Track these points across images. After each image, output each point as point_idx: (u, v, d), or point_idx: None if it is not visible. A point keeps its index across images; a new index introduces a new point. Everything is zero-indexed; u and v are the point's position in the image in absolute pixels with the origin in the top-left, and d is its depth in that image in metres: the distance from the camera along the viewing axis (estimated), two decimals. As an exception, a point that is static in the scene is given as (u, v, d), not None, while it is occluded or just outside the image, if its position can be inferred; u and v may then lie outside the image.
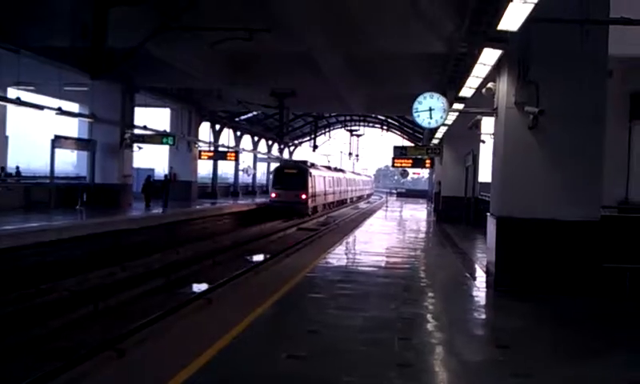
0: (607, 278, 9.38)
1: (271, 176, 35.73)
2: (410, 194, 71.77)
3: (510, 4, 6.70)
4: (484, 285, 10.60)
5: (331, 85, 22.83)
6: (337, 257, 13.83)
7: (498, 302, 9.42)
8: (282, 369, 5.68)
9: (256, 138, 44.58)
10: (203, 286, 13.33)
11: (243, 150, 41.40)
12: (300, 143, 55.97)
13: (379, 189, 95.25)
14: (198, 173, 32.78)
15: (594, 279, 9.35)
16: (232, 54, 19.70)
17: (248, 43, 15.80)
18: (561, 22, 8.89)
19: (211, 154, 34.13)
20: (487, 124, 15.01)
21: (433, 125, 10.90)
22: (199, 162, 32.75)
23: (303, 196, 32.86)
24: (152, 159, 35.29)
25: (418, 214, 35.43)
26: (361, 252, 15.51)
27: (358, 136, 59.62)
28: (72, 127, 32.49)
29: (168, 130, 29.02)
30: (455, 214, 25.00)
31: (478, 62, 9.47)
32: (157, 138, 25.92)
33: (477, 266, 13.01)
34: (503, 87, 9.99)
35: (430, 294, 10.00)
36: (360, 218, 30.25)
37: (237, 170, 41.18)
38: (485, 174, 22.05)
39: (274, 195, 33.06)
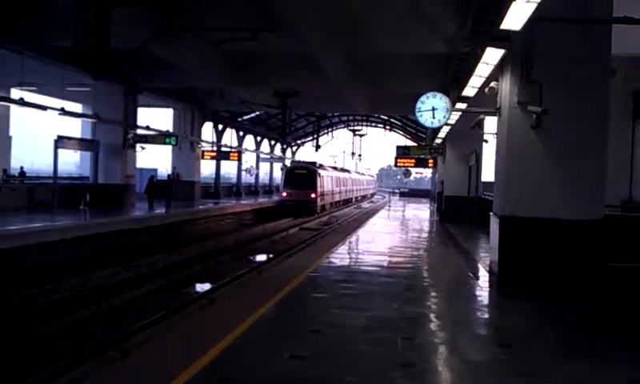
0: (610, 278, 9.36)
1: (282, 176, 37.48)
2: (412, 194, 71.89)
3: (513, 3, 6.70)
4: (487, 284, 10.59)
5: (334, 85, 22.83)
6: (340, 256, 13.83)
7: (501, 302, 9.41)
8: (284, 368, 5.68)
9: (259, 138, 44.62)
10: (206, 286, 13.36)
11: (246, 150, 41.43)
12: (303, 143, 56.02)
13: (382, 188, 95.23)
14: (200, 173, 32.84)
15: (597, 279, 9.34)
16: (235, 54, 19.71)
17: (251, 43, 15.82)
18: (564, 21, 8.88)
19: (214, 154, 34.19)
20: (490, 123, 14.99)
21: (436, 124, 10.88)
22: (202, 162, 32.80)
23: (313, 195, 34.72)
24: (155, 159, 35.46)
25: (420, 213, 35.40)
26: (364, 251, 15.50)
27: (361, 136, 59.67)
28: (75, 128, 32.58)
29: (171, 130, 29.04)
30: (458, 213, 24.99)
31: (481, 61, 9.47)
32: (160, 138, 25.97)
33: (480, 265, 12.99)
34: (506, 87, 9.98)
35: (433, 294, 10.00)
36: (363, 218, 30.24)
37: (239, 170, 41.23)
38: (488, 174, 22.04)
39: (285, 194, 34.91)
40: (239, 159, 37.45)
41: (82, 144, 24.40)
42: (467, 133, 18.88)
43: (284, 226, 28.29)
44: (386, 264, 13.35)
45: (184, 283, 13.98)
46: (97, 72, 14.44)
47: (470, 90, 12.00)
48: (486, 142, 18.58)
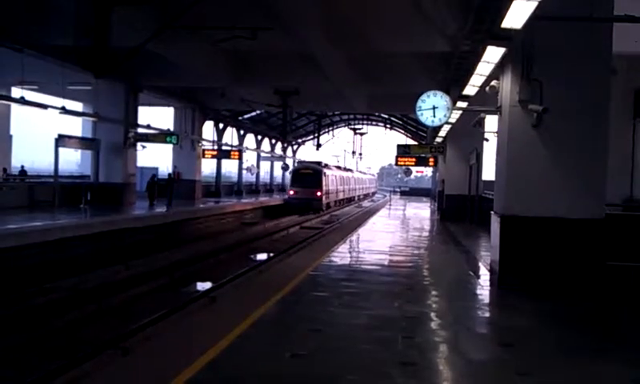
0: (611, 277, 9.35)
1: (289, 176, 39.29)
2: (413, 193, 72.00)
3: (514, 2, 6.69)
4: (488, 283, 10.59)
5: (334, 84, 22.84)
6: (340, 255, 13.83)
7: (501, 301, 9.40)
8: (285, 367, 5.68)
9: (259, 137, 44.64)
10: (207, 285, 13.37)
11: (247, 148, 41.45)
12: (303, 142, 56.02)
13: (383, 187, 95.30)
14: (201, 172, 32.87)
15: (598, 278, 9.32)
16: (235, 52, 19.71)
17: (251, 42, 15.84)
18: (565, 19, 8.86)
19: (215, 152, 34.23)
20: (491, 122, 14.97)
21: (436, 123, 10.85)
22: (203, 160, 32.82)
23: (318, 193, 36.51)
24: (156, 158, 35.48)
25: (421, 212, 35.39)
26: (364, 250, 15.50)
27: (362, 134, 59.65)
28: (76, 126, 32.61)
29: (172, 128, 29.05)
30: (459, 212, 24.98)
31: (482, 59, 9.46)
32: (160, 136, 25.97)
33: (480, 264, 12.99)
34: (507, 85, 9.96)
35: (434, 293, 9.99)
36: (363, 217, 30.24)
37: (240, 168, 41.25)
38: (488, 173, 22.02)
39: (292, 193, 36.60)
40: (240, 158, 37.52)
41: (83, 143, 24.42)
42: (468, 131, 18.87)
43: (285, 224, 28.30)
44: (386, 263, 13.35)
45: (185, 282, 14.00)
46: (98, 70, 14.46)
47: (470, 89, 11.99)
48: (487, 140, 18.56)
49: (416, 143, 40.93)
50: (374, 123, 51.51)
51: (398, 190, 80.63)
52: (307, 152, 58.64)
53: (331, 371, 5.53)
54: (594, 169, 9.54)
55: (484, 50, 8.94)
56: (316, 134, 47.47)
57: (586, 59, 9.34)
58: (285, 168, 51.00)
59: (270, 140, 47.61)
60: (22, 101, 18.98)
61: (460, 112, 14.18)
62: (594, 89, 9.44)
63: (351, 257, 14.38)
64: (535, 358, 6.24)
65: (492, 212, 10.84)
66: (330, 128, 52.54)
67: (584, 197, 9.47)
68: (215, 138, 34.93)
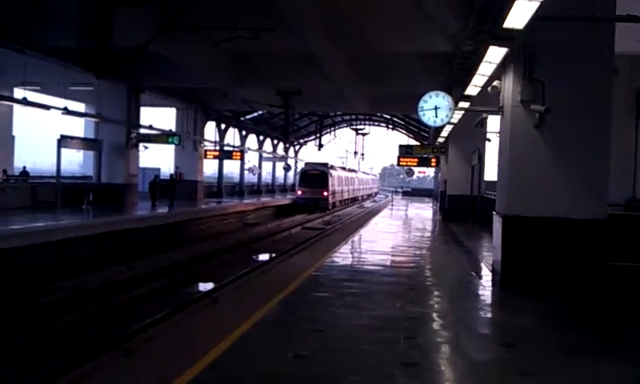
0: (614, 277, 9.34)
1: (297, 177, 41.18)
2: (415, 193, 71.99)
3: (516, 2, 6.68)
4: (490, 283, 10.58)
5: (336, 84, 22.84)
6: (342, 256, 13.83)
7: (503, 301, 9.40)
8: (287, 368, 5.68)
9: (261, 138, 44.66)
10: (209, 285, 13.38)
11: (249, 149, 41.47)
12: (305, 142, 56.00)
13: (385, 187, 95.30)
14: (203, 172, 32.89)
15: (600, 278, 9.31)
16: (237, 53, 19.74)
17: (253, 42, 15.86)
18: (567, 19, 8.85)
19: (217, 153, 34.23)
20: (493, 122, 14.99)
21: (438, 123, 10.85)
22: (205, 161, 32.84)
23: (325, 193, 38.21)
24: (158, 159, 35.51)
25: (423, 212, 35.36)
26: (366, 251, 15.50)
27: (364, 135, 59.63)
28: (78, 127, 32.67)
29: (174, 129, 29.08)
30: (461, 212, 24.94)
31: (484, 60, 9.45)
32: (162, 137, 26.00)
33: (483, 264, 12.98)
34: (509, 85, 9.95)
35: (436, 293, 9.98)
36: (365, 217, 30.23)
37: (242, 169, 41.28)
38: (490, 173, 22.02)
39: (300, 193, 38.43)
40: (242, 158, 37.54)
41: (85, 143, 24.47)
42: (470, 132, 18.88)
43: (286, 225, 28.31)
44: (388, 263, 13.34)
45: (187, 282, 14.01)
46: (100, 71, 14.49)
47: (472, 89, 11.98)
48: (489, 140, 18.59)
49: (418, 143, 40.98)
50: (375, 123, 51.50)
51: (399, 190, 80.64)
52: (309, 152, 58.67)
53: (333, 372, 5.53)
54: (596, 169, 9.52)
55: (486, 50, 8.93)
56: (318, 135, 47.46)
57: (588, 59, 9.32)
58: (287, 168, 51.02)
59: (272, 140, 47.63)
60: (25, 102, 19.01)
61: (462, 112, 14.17)
62: (596, 89, 9.43)
63: (353, 257, 14.38)
64: (537, 358, 6.23)
65: (494, 212, 10.82)
66: (332, 128, 52.53)
67: (586, 197, 9.45)
68: (217, 139, 34.95)
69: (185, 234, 21.01)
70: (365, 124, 52.52)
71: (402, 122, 47.86)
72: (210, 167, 38.56)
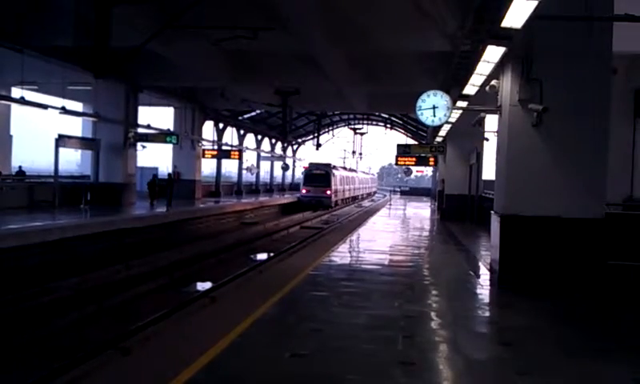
0: (612, 276, 9.36)
1: (302, 176, 42.53)
2: (413, 192, 72.25)
3: (514, 1, 6.68)
4: (488, 282, 10.60)
5: (334, 83, 22.82)
6: (341, 255, 13.83)
7: (501, 300, 9.41)
8: (285, 367, 5.68)
9: (259, 137, 44.64)
10: (207, 285, 13.35)
11: (247, 148, 41.48)
12: (303, 141, 56.03)
13: (383, 187, 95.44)
14: (201, 171, 32.87)
15: (598, 277, 9.33)
16: (235, 52, 19.72)
17: (251, 41, 15.83)
18: (565, 18, 8.86)
19: (215, 152, 34.24)
20: (491, 122, 14.97)
21: (436, 123, 10.86)
22: (203, 160, 32.83)
23: (328, 192, 39.95)
24: (156, 158, 35.50)
25: (421, 212, 35.40)
26: (365, 250, 15.50)
27: (362, 134, 59.64)
28: (76, 126, 32.60)
29: (171, 128, 29.06)
30: (459, 211, 25.00)
31: (482, 59, 9.44)
32: (160, 136, 25.99)
33: (481, 263, 13.01)
34: (507, 85, 9.97)
35: (434, 292, 9.99)
36: (364, 216, 30.24)
37: (240, 168, 41.27)
38: (488, 172, 22.02)
39: (304, 191, 40.12)
40: (240, 158, 37.53)
41: (83, 143, 24.42)
42: (468, 131, 18.86)
43: (284, 224, 28.30)
44: (386, 262, 13.35)
45: (185, 281, 13.98)
46: (98, 71, 14.47)
47: (470, 89, 11.98)
48: (487, 140, 18.57)
49: (416, 143, 40.93)
50: (374, 123, 51.50)
51: (398, 189, 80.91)
52: (307, 152, 58.83)
53: (331, 371, 5.53)
54: (594, 168, 9.54)
55: (484, 49, 8.93)
56: (316, 134, 47.49)
57: (586, 59, 9.34)
58: (285, 168, 51.09)
59: (270, 140, 47.61)
60: (22, 101, 18.98)
61: (460, 111, 14.17)
62: (594, 88, 9.45)
63: (351, 256, 14.38)
64: (535, 357, 6.24)
65: (492, 211, 10.84)
66: (330, 128, 52.56)
67: (584, 196, 9.47)
68: (215, 138, 34.94)
69: (183, 233, 20.99)
70: (363, 123, 52.52)
71: (400, 122, 47.87)
72: (208, 166, 38.61)
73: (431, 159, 27.37)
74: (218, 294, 10.94)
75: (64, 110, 20.64)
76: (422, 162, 27.91)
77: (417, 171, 65.33)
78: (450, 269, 12.63)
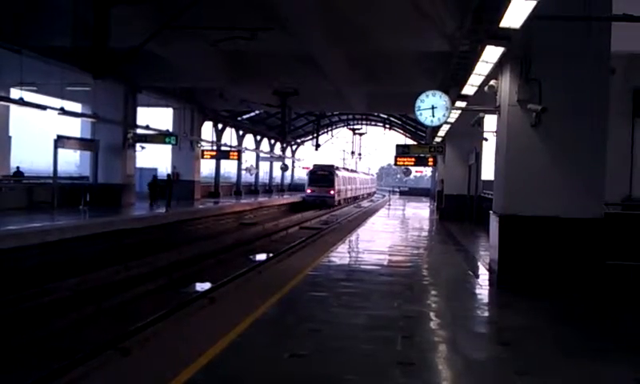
0: (611, 276, 9.36)
1: (306, 176, 45.35)
2: (412, 193, 72.29)
3: (513, 1, 6.69)
4: (487, 283, 10.60)
5: (333, 84, 22.82)
6: (340, 255, 13.83)
7: (500, 300, 9.41)
8: (284, 367, 5.68)
9: (258, 137, 44.64)
10: (206, 285, 13.35)
11: (246, 149, 41.48)
12: (302, 142, 56.03)
13: (382, 187, 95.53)
14: (200, 172, 32.86)
15: (597, 277, 9.33)
16: (234, 52, 19.71)
17: (250, 42, 15.82)
18: (563, 19, 8.87)
19: (214, 153, 34.24)
20: (490, 122, 14.98)
21: (435, 123, 10.87)
22: (202, 161, 32.82)
23: (331, 192, 42.17)
24: (155, 159, 35.50)
25: (420, 212, 35.40)
26: (364, 250, 15.50)
27: (361, 135, 59.65)
28: (75, 127, 32.56)
29: (170, 129, 29.06)
30: (458, 212, 25.01)
31: (481, 59, 9.45)
32: (159, 137, 26.00)
33: (480, 263, 13.00)
34: (506, 85, 9.97)
35: (433, 292, 9.99)
36: (363, 217, 30.23)
37: (239, 169, 41.27)
38: (487, 172, 22.04)
39: (309, 191, 42.29)
40: (239, 158, 37.54)
41: (82, 144, 24.40)
42: (467, 131, 18.88)
43: (284, 225, 28.29)
44: (386, 263, 13.35)
45: (184, 282, 13.97)
46: (96, 71, 14.47)
47: (469, 89, 11.98)
48: (486, 140, 18.60)
49: (415, 143, 40.99)
50: (372, 123, 51.52)
51: (397, 190, 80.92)
52: (306, 152, 59.04)
53: (330, 371, 5.53)
54: (593, 168, 9.55)
55: (483, 49, 8.94)
56: (315, 134, 47.50)
57: (585, 58, 9.34)
58: (284, 168, 51.09)
59: (269, 140, 47.61)
60: (21, 102, 18.96)
61: (459, 112, 14.19)
62: (593, 88, 9.45)
63: (350, 257, 14.38)
64: (534, 357, 6.24)
65: (491, 211, 10.84)
66: (329, 128, 52.59)
67: (583, 196, 9.48)
68: (214, 139, 34.93)
69: (182, 234, 20.98)
70: (362, 124, 52.57)
71: (399, 122, 47.89)
72: (207, 167, 38.62)
73: (430, 159, 27.39)
74: (217, 295, 10.93)
75: (63, 111, 20.62)
76: (421, 162, 27.94)
77: (416, 171, 65.49)
78: (449, 269, 12.63)
